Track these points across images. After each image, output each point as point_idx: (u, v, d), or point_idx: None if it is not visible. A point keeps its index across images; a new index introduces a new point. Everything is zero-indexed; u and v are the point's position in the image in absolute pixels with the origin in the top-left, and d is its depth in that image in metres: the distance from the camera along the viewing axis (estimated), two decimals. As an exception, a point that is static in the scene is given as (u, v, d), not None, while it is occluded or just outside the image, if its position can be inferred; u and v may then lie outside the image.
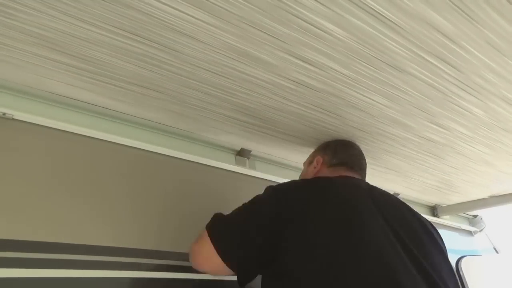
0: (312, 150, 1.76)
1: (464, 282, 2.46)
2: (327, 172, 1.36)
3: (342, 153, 1.44)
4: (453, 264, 2.54)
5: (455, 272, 2.49)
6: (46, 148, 1.30)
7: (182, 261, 1.35)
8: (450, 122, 1.44)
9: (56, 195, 1.23)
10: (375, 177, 2.09)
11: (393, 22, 0.99)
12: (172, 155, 1.58)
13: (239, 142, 1.72)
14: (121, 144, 1.47)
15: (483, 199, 2.51)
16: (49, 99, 1.35)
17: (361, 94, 1.27)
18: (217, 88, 1.27)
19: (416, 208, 2.54)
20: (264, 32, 1.02)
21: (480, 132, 1.53)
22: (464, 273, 2.50)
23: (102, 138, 1.43)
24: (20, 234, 1.10)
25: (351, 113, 1.39)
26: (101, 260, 1.20)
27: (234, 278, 1.48)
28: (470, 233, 2.98)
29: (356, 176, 1.35)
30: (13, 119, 1.29)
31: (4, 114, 1.27)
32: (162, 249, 1.33)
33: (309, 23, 0.99)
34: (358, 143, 1.66)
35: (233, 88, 1.27)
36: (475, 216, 3.01)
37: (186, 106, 1.39)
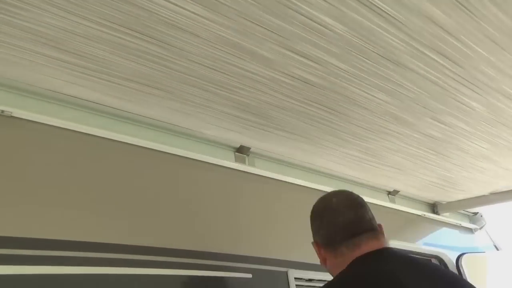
0: (311, 147, 1.75)
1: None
2: (335, 264, 1.05)
3: (327, 226, 1.09)
4: (454, 261, 2.55)
5: (456, 268, 2.50)
6: (45, 145, 1.30)
7: (180, 258, 1.35)
8: (450, 118, 1.44)
9: (54, 192, 1.23)
10: (376, 175, 2.08)
11: (393, 17, 0.98)
12: (171, 152, 1.58)
13: (238, 139, 1.71)
14: (119, 141, 1.46)
15: (484, 196, 2.51)
16: (48, 97, 1.34)
17: (361, 90, 1.27)
18: (216, 84, 1.26)
19: (416, 206, 2.56)
20: (263, 27, 1.01)
21: (480, 128, 1.52)
22: (465, 270, 2.50)
23: (101, 136, 1.42)
24: (16, 231, 1.10)
25: (351, 110, 1.39)
26: (99, 257, 1.19)
27: (236, 275, 1.48)
28: (470, 230, 2.98)
29: (370, 244, 1.00)
30: (12, 116, 1.28)
31: (3, 111, 1.27)
32: (159, 246, 1.33)
33: (308, 18, 0.98)
34: (358, 141, 1.65)
35: (232, 84, 1.26)
36: (476, 214, 3.01)
37: (185, 103, 1.38)
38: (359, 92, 1.28)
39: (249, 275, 1.52)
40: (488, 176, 2.07)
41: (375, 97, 1.31)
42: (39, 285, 1.06)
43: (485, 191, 2.40)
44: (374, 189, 2.31)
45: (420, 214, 2.59)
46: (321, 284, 1.72)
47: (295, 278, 1.65)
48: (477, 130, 1.53)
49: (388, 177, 2.14)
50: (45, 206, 1.19)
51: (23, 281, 1.04)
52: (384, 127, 1.51)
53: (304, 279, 1.70)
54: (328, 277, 1.74)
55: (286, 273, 1.65)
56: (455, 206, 2.68)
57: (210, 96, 1.33)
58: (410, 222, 2.53)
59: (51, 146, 1.31)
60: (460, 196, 2.52)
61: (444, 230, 2.76)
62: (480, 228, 3.00)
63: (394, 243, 2.25)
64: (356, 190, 2.12)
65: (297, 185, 1.97)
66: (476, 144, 1.66)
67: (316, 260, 1.75)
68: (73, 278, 1.12)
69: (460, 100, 1.32)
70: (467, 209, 2.89)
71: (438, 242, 2.61)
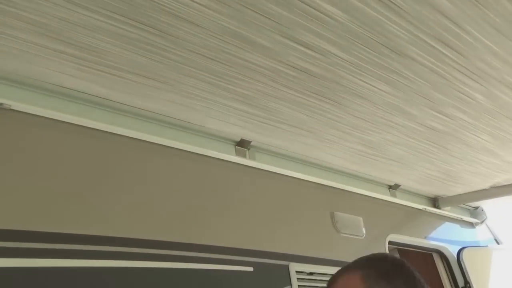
0: (312, 140, 1.73)
1: (466, 273, 2.46)
2: None
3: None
4: (455, 255, 2.55)
5: (457, 262, 2.50)
6: (43, 139, 1.29)
7: (181, 251, 1.34)
8: (452, 109, 1.43)
9: (52, 184, 1.22)
10: (377, 168, 2.07)
11: (395, 4, 0.97)
12: (171, 146, 1.57)
13: (239, 133, 1.70)
14: (119, 135, 1.45)
15: (485, 189, 2.50)
16: (47, 90, 1.33)
17: (362, 81, 1.26)
18: (215, 75, 1.25)
19: (417, 200, 2.56)
20: (262, 15, 1.00)
21: (483, 120, 1.51)
22: (466, 264, 2.49)
23: (100, 129, 1.41)
24: (14, 224, 1.10)
25: (352, 101, 1.38)
26: (98, 250, 1.19)
27: (237, 268, 1.47)
28: (471, 224, 2.98)
29: None
30: (11, 109, 1.27)
31: (2, 104, 1.26)
32: (159, 239, 1.32)
33: (308, 5, 0.97)
34: (359, 133, 1.64)
35: (232, 75, 1.25)
36: (477, 208, 3.00)
37: (185, 96, 1.37)
38: (360, 83, 1.27)
39: (250, 268, 1.51)
40: (489, 170, 2.06)
41: (377, 88, 1.29)
42: (41, 277, 1.06)
43: (486, 184, 2.39)
44: (375, 183, 2.30)
45: (421, 208, 2.58)
46: (323, 278, 1.73)
47: (296, 272, 1.65)
48: (479, 122, 1.52)
49: (390, 171, 2.13)
50: (42, 199, 1.18)
51: (30, 273, 1.04)
52: (386, 119, 1.50)
53: (305, 272, 1.69)
54: (329, 270, 1.74)
55: (287, 266, 1.64)
56: (456, 200, 2.67)
57: (210, 88, 1.32)
58: (411, 216, 2.52)
59: (50, 139, 1.30)
60: (461, 189, 2.51)
61: (445, 224, 2.76)
62: (481, 222, 2.99)
63: (396, 237, 2.25)
64: (357, 184, 2.16)
65: (298, 179, 1.96)
66: (477, 136, 1.65)
67: (317, 254, 1.76)
68: (73, 271, 1.12)
69: (462, 91, 1.31)
70: (468, 203, 2.89)
71: (439, 236, 2.61)
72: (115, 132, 1.44)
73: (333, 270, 1.71)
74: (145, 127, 1.50)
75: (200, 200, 1.53)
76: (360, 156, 1.88)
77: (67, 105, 1.36)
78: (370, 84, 1.28)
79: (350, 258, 1.88)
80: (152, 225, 1.33)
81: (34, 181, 1.19)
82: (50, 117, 1.33)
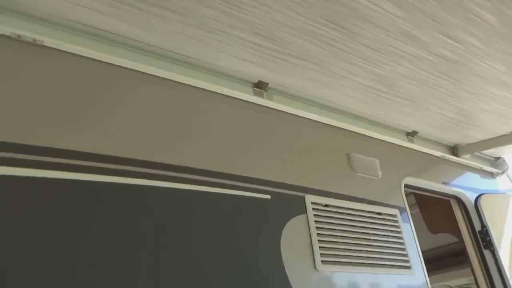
0: (324, 77, 1.77)
1: (483, 217, 2.48)
2: None
3: None
4: (473, 201, 2.56)
5: (475, 208, 2.51)
6: (73, 73, 1.40)
7: (211, 178, 1.49)
8: (463, 33, 1.44)
9: (79, 115, 1.34)
10: (391, 109, 2.10)
11: None
12: (191, 84, 1.66)
13: (256, 74, 1.76)
14: (140, 72, 1.55)
15: (505, 135, 2.48)
16: (76, 29, 1.44)
17: (369, 1, 1.28)
18: (229, 2, 1.31)
19: (436, 147, 2.56)
20: None
21: (495, 46, 1.51)
22: (483, 210, 2.51)
23: (123, 66, 1.52)
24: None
25: (361, 27, 1.41)
26: (124, 169, 1.33)
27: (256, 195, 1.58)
28: (491, 174, 2.96)
29: None
30: (43, 45, 1.39)
31: (35, 40, 1.38)
32: (189, 166, 1.46)
33: None
34: (370, 66, 1.67)
35: (246, 2, 1.31)
36: (498, 158, 2.98)
37: (201, 28, 1.45)
38: (367, 4, 1.30)
39: (268, 196, 1.61)
40: (505, 107, 2.05)
41: (385, 9, 1.33)
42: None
43: (505, 128, 2.37)
44: (393, 129, 2.33)
45: (439, 155, 2.59)
46: (338, 210, 1.81)
47: (312, 203, 1.74)
48: (491, 48, 1.52)
49: (406, 114, 2.15)
50: (65, 121, 1.31)
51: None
52: (396, 48, 1.53)
53: (321, 204, 1.78)
54: (345, 204, 1.82)
55: (304, 198, 1.73)
56: (475, 148, 2.65)
57: (225, 18, 1.38)
58: (429, 163, 2.54)
59: (80, 74, 1.42)
60: (479, 135, 2.50)
61: (465, 173, 2.76)
62: (502, 173, 2.97)
63: (412, 180, 2.28)
64: (375, 130, 2.19)
65: (315, 121, 2.02)
66: (491, 66, 1.65)
67: (333, 189, 1.84)
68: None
69: (471, 10, 1.31)
70: (488, 151, 2.86)
71: (458, 183, 2.62)
72: (136, 69, 1.55)
73: (349, 204, 1.81)
74: (164, 65, 1.61)
75: (224, 136, 1.63)
76: (372, 95, 1.92)
77: (95, 44, 1.48)
78: (378, 6, 1.31)
79: (365, 195, 1.95)
80: (180, 153, 1.46)
81: (56, 109, 1.31)
82: (80, 54, 1.45)
